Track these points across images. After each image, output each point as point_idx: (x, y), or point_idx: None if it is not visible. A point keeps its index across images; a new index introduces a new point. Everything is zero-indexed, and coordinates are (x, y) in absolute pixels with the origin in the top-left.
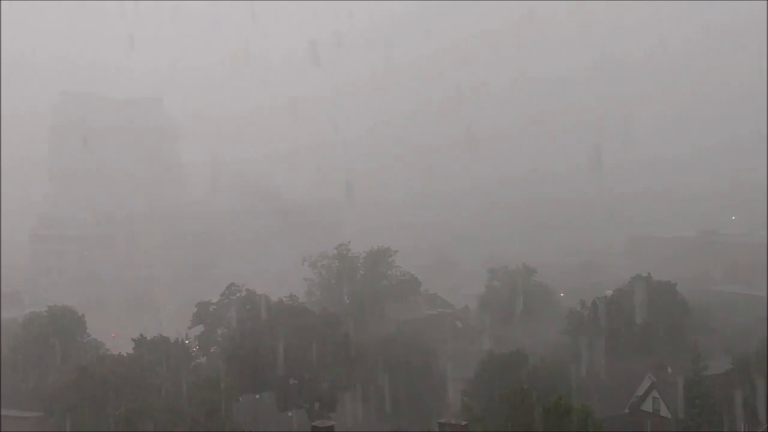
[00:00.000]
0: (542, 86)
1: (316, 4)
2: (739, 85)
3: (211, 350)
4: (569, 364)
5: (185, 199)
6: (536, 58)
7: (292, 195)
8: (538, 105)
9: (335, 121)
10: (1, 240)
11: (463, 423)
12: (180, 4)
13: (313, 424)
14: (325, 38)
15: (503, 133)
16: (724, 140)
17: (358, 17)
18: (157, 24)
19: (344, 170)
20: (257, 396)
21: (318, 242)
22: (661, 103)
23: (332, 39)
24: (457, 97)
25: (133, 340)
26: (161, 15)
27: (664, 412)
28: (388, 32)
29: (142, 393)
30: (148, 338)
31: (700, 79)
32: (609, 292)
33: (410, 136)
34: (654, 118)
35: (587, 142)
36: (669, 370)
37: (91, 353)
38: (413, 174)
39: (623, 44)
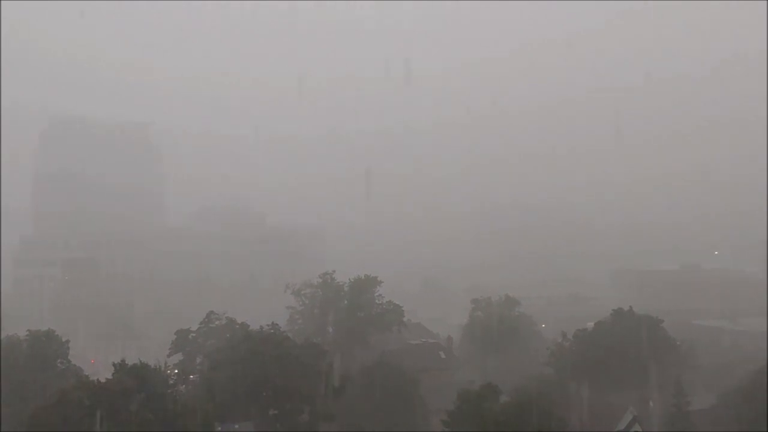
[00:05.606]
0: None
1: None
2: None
3: (190, 378)
4: (549, 396)
5: (169, 224)
6: None
7: (276, 221)
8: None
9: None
10: None
11: None
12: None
13: None
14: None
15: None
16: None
17: None
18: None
19: (331, 197)
20: (236, 426)
21: (301, 270)
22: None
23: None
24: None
25: (114, 365)
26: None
27: None
28: None
29: (119, 420)
30: (129, 364)
31: None
32: (590, 324)
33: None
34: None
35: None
36: (651, 404)
37: (71, 379)
38: (401, 200)
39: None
